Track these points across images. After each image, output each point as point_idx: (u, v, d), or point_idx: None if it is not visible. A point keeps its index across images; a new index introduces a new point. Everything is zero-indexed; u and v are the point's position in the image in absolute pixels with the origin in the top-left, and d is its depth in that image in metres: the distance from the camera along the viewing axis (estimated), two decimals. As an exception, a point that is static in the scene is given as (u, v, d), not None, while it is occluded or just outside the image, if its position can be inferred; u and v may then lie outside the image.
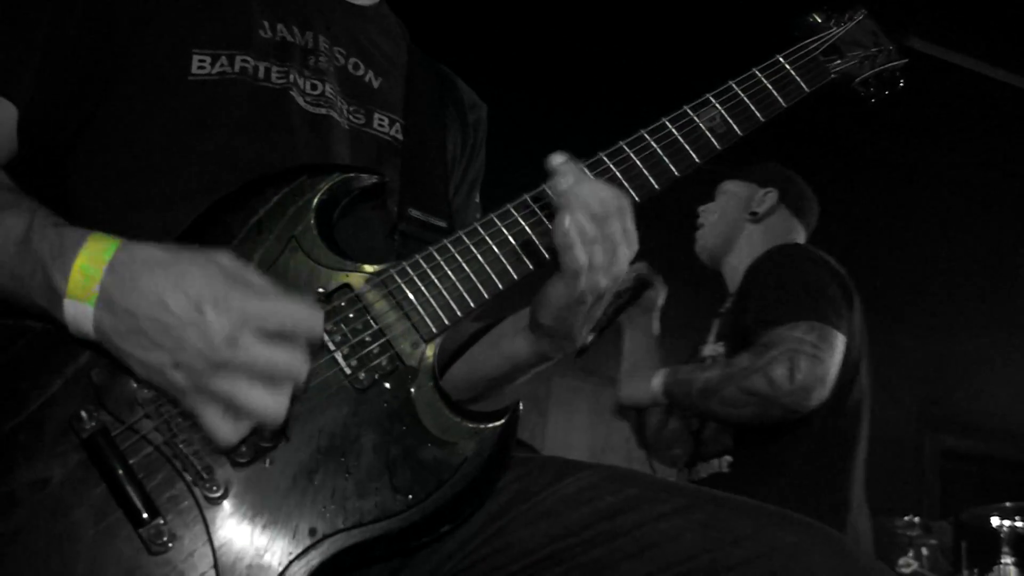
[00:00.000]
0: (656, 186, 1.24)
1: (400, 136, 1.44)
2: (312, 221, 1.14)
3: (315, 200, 1.16)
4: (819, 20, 1.36)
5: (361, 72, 1.45)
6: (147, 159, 1.26)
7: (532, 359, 1.35)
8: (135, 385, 1.03)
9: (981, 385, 6.12)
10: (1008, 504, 3.71)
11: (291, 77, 1.34)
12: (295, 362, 1.00)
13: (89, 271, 0.99)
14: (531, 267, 1.20)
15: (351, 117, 1.40)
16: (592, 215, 1.13)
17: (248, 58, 1.31)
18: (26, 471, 0.99)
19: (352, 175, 1.20)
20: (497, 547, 1.17)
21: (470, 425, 1.12)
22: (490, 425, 1.13)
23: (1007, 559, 3.62)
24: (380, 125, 1.43)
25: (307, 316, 1.01)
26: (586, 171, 1.21)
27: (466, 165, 1.58)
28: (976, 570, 3.85)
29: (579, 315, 1.23)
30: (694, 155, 1.25)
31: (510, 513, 1.18)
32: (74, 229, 1.03)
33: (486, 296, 1.17)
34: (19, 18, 1.25)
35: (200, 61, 1.29)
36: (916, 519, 3.94)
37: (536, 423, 5.23)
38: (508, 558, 1.16)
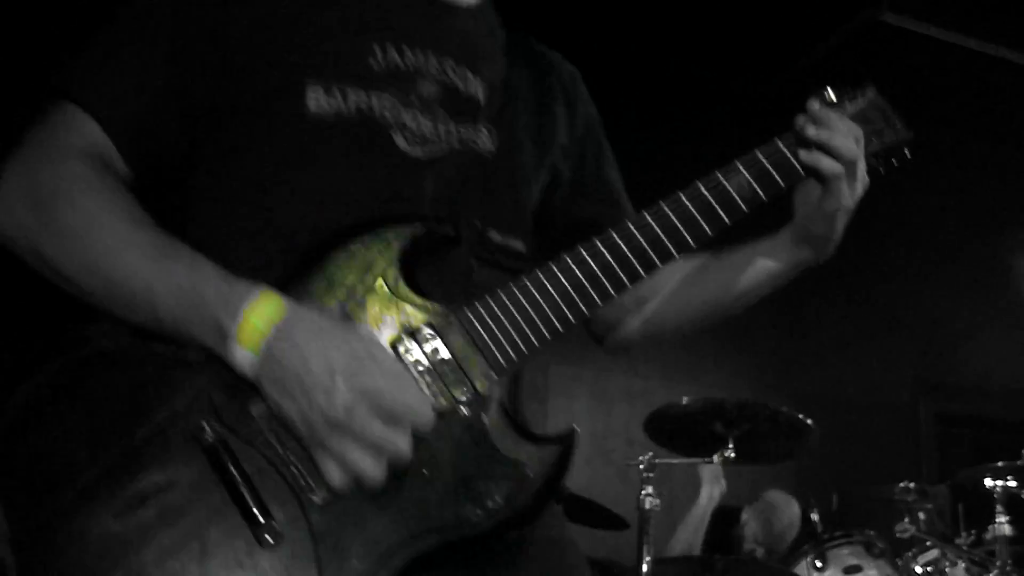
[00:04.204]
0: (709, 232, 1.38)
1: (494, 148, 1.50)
2: (396, 265, 1.27)
3: (399, 247, 1.27)
4: (832, 98, 1.48)
5: (468, 85, 1.48)
6: (249, 191, 1.34)
7: (790, 270, 1.54)
8: (250, 403, 1.18)
9: (974, 349, 6.20)
10: (1000, 464, 3.77)
11: (396, 112, 1.38)
12: (400, 445, 1.16)
13: (259, 327, 1.15)
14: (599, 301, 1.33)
15: (452, 140, 1.43)
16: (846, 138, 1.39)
17: (360, 91, 1.36)
18: (155, 474, 1.13)
19: (433, 225, 1.32)
20: None
21: (535, 447, 1.27)
22: (552, 447, 1.27)
23: (1001, 518, 3.69)
24: (482, 140, 1.47)
25: (419, 406, 1.18)
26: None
27: (582, 138, 1.65)
28: (974, 531, 3.92)
29: (842, 219, 1.45)
30: (724, 216, 1.39)
31: None
32: (239, 281, 1.19)
33: (548, 337, 1.30)
34: (137, 43, 1.33)
35: (313, 93, 1.34)
36: (912, 485, 4.02)
37: (536, 411, 5.30)
38: None
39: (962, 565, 3.71)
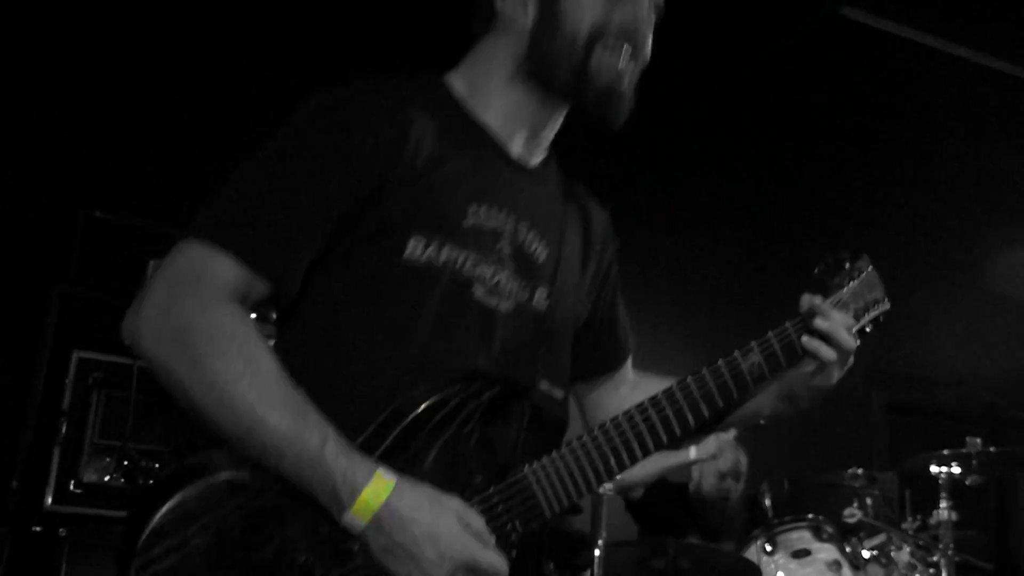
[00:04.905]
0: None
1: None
2: (480, 424, 1.49)
3: (485, 406, 1.49)
4: (830, 272, 1.74)
5: (534, 248, 1.65)
6: (338, 326, 1.50)
7: (769, 417, 1.77)
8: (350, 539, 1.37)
9: (925, 341, 6.32)
10: (945, 452, 3.86)
11: (479, 268, 1.56)
12: None
13: (371, 503, 1.34)
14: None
15: (517, 296, 1.61)
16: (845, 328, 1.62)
17: (453, 246, 1.52)
18: None
19: (508, 388, 1.52)
20: None
21: None
22: None
23: (945, 504, 3.78)
24: (539, 299, 1.65)
25: (500, 566, 1.40)
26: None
27: (604, 282, 1.84)
28: (919, 516, 4.01)
29: (824, 393, 1.68)
30: (735, 393, 1.59)
31: None
32: (361, 460, 1.36)
33: (586, 492, 1.50)
34: (266, 190, 1.45)
35: (415, 244, 1.49)
36: (860, 471, 4.11)
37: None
38: None
39: (907, 549, 3.81)
